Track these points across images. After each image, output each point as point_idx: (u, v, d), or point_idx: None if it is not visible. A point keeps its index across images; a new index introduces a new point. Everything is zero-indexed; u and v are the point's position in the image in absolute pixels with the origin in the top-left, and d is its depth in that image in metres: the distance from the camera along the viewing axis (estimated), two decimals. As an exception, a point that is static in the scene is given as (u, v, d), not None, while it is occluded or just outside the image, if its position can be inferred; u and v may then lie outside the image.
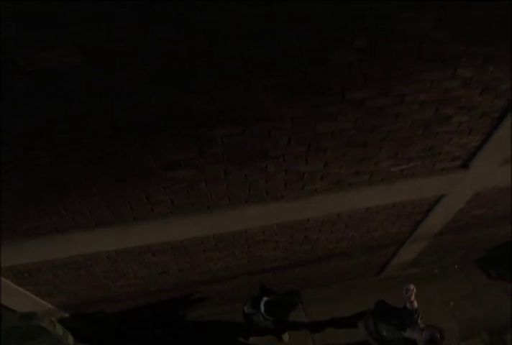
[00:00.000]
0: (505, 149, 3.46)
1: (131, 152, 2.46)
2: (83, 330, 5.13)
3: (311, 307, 5.80)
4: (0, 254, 3.09)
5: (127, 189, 2.78)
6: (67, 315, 4.82)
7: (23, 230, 2.95)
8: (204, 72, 2.05)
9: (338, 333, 5.48)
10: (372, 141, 2.89)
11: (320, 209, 3.51)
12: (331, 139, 2.74)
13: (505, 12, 2.17)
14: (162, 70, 1.99)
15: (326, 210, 3.57)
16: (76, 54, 1.82)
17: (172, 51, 1.91)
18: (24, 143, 2.21)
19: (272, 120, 2.44)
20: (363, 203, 3.66)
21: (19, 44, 1.70)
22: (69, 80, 1.93)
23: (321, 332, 5.55)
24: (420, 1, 2.00)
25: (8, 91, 1.89)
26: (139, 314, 5.17)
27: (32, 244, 3.09)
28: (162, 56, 1.92)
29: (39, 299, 4.17)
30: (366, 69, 2.30)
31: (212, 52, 1.95)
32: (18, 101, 1.96)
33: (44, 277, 3.75)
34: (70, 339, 4.75)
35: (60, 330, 4.56)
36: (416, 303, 4.06)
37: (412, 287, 4.06)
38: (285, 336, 5.45)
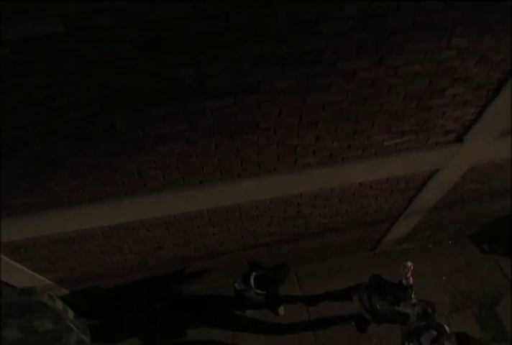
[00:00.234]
0: (500, 123, 3.43)
1: (120, 125, 2.42)
2: (82, 305, 5.23)
3: (305, 282, 5.92)
4: (0, 229, 3.11)
5: (118, 164, 2.76)
6: (66, 291, 4.90)
7: (16, 206, 2.94)
8: (190, 43, 1.99)
9: (332, 306, 5.61)
10: (364, 114, 2.85)
11: (313, 183, 3.51)
12: (322, 111, 2.70)
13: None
14: (147, 41, 1.93)
15: (319, 184, 3.57)
16: (58, 25, 1.76)
17: (158, 20, 1.85)
18: (10, 118, 2.18)
19: (262, 92, 2.40)
20: (356, 178, 3.66)
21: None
22: (51, 51, 1.87)
23: (316, 305, 5.68)
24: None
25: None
26: (136, 289, 5.26)
27: (26, 220, 3.09)
28: (146, 25, 1.86)
29: (37, 275, 4.23)
30: (358, 38, 2.23)
31: (198, 19, 1.89)
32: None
33: (40, 252, 3.78)
34: (70, 314, 4.85)
35: (59, 305, 4.64)
36: (411, 280, 4.13)
37: (409, 264, 4.13)
38: (281, 310, 5.58)
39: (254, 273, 4.28)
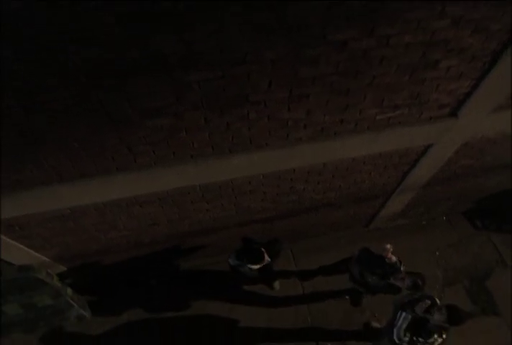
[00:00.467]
0: (496, 96, 3.39)
1: (106, 99, 2.38)
2: (80, 282, 5.32)
3: (300, 258, 6.00)
4: (0, 207, 3.11)
5: (106, 139, 2.73)
6: (64, 268, 4.97)
7: (8, 183, 2.93)
8: (171, 10, 1.92)
9: (327, 281, 5.71)
10: (356, 87, 2.80)
11: (305, 159, 3.50)
12: (313, 84, 2.65)
13: None
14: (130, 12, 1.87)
15: (311, 159, 3.56)
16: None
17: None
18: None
19: (250, 63, 2.35)
20: (349, 153, 3.64)
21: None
22: (32, 22, 1.81)
23: (311, 280, 5.78)
24: None
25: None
26: (133, 265, 5.33)
27: (19, 196, 3.09)
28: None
29: (33, 252, 4.27)
30: (348, 7, 2.16)
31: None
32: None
33: (35, 230, 3.80)
34: (69, 291, 4.94)
35: (57, 281, 4.73)
36: (394, 258, 4.16)
37: (388, 246, 4.16)
38: (276, 284, 5.68)
39: (247, 248, 4.32)
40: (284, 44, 2.28)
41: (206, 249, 5.45)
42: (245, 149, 3.19)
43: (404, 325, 3.81)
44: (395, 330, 3.88)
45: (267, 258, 4.40)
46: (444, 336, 3.78)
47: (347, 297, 5.56)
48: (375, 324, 5.35)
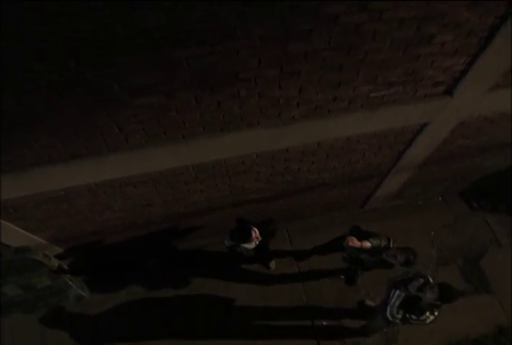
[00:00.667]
0: (492, 74, 3.33)
1: (93, 77, 2.33)
2: (77, 263, 5.37)
3: (296, 238, 6.05)
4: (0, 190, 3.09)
5: (96, 119, 2.70)
6: (60, 249, 5.01)
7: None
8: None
9: (322, 260, 5.77)
10: (348, 63, 2.74)
11: (299, 138, 3.47)
12: (304, 60, 2.59)
13: None
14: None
15: (305, 138, 3.52)
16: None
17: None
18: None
19: (239, 39, 2.28)
20: (343, 132, 3.61)
21: None
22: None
23: (306, 260, 5.85)
24: None
25: None
26: (130, 246, 5.37)
27: (11, 178, 3.07)
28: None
29: (29, 234, 4.29)
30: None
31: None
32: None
33: (30, 212, 3.81)
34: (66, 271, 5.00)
35: (55, 263, 4.77)
36: (368, 244, 4.06)
37: (348, 238, 4.09)
38: (272, 264, 5.75)
39: (242, 229, 4.34)
40: (273, 18, 2.21)
41: (202, 229, 5.48)
42: (237, 128, 3.15)
43: (397, 303, 3.87)
44: (388, 308, 3.94)
45: (257, 235, 4.40)
46: (436, 314, 3.85)
47: (342, 276, 5.63)
48: (369, 302, 5.44)
